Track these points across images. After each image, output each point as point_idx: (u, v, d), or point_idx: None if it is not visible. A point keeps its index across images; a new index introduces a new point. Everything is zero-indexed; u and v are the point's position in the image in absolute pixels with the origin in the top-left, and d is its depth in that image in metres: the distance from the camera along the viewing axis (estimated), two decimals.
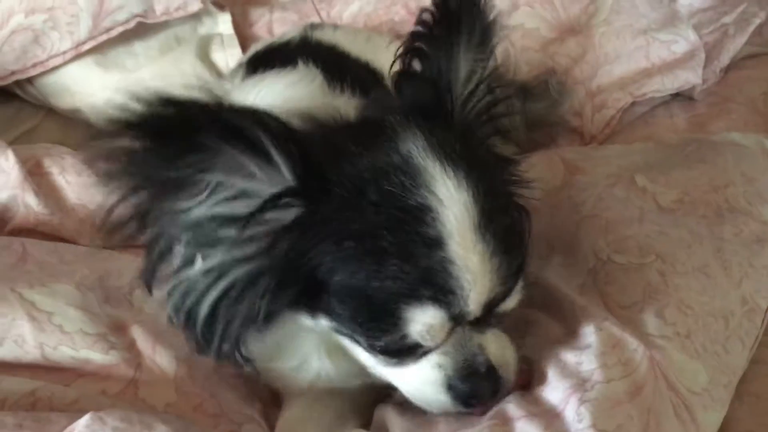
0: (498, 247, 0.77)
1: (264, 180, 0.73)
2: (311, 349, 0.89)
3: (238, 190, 0.73)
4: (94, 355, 0.90)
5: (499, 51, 1.49)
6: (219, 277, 0.76)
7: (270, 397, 0.98)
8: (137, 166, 0.70)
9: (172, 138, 0.69)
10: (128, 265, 1.02)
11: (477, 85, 0.88)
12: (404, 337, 0.78)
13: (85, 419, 0.78)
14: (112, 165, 0.69)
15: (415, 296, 0.75)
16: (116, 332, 0.93)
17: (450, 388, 0.82)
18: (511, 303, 0.83)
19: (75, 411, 0.82)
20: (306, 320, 0.82)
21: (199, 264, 0.76)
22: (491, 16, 0.88)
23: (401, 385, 0.85)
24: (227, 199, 0.73)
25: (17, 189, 1.21)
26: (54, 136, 1.54)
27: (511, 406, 0.82)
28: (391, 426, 0.87)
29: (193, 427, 0.85)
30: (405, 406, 0.88)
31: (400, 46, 0.91)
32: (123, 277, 1.02)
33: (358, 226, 0.75)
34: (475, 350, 0.82)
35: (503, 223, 0.80)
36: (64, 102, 1.58)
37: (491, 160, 0.90)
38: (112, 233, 0.75)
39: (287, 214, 0.75)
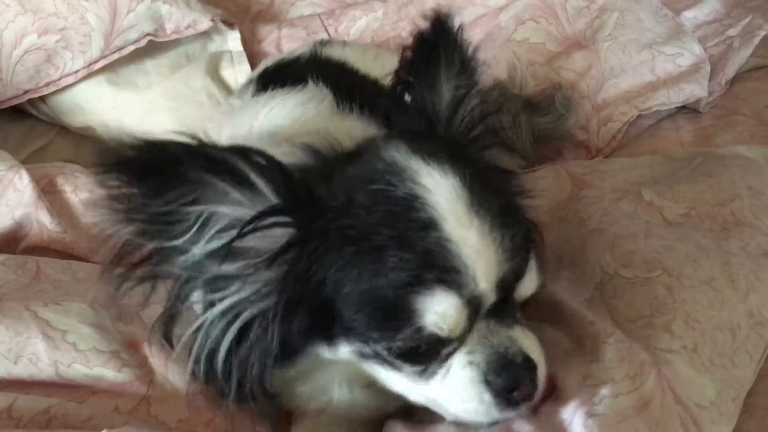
0: (496, 221, 0.77)
1: (250, 206, 0.76)
2: (330, 380, 0.89)
3: (228, 220, 0.76)
4: (108, 372, 0.91)
5: (504, 68, 1.52)
6: (234, 318, 0.78)
7: (281, 414, 0.98)
8: (128, 205, 0.73)
9: (155, 175, 0.73)
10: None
11: (462, 108, 0.91)
12: (420, 330, 0.75)
13: None
14: (107, 208, 0.74)
15: (420, 282, 0.75)
16: (129, 349, 0.94)
17: (487, 384, 0.78)
18: (528, 286, 0.81)
19: (89, 428, 0.83)
20: (326, 353, 0.82)
21: (215, 308, 0.79)
22: (469, 51, 0.92)
23: (440, 401, 0.82)
24: (220, 231, 0.76)
25: (31, 207, 1.23)
26: (66, 154, 1.57)
27: (518, 420, 0.83)
28: None
29: None
30: (414, 421, 0.89)
31: (390, 83, 0.95)
32: (135, 295, 1.03)
33: (353, 231, 0.77)
34: (506, 342, 0.79)
35: (497, 200, 0.80)
36: (77, 120, 1.60)
37: (480, 163, 0.92)
38: (122, 281, 0.79)
39: (281, 235, 0.77)
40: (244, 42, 1.67)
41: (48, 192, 1.27)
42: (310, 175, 0.81)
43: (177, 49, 1.64)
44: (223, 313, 0.79)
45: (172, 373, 0.93)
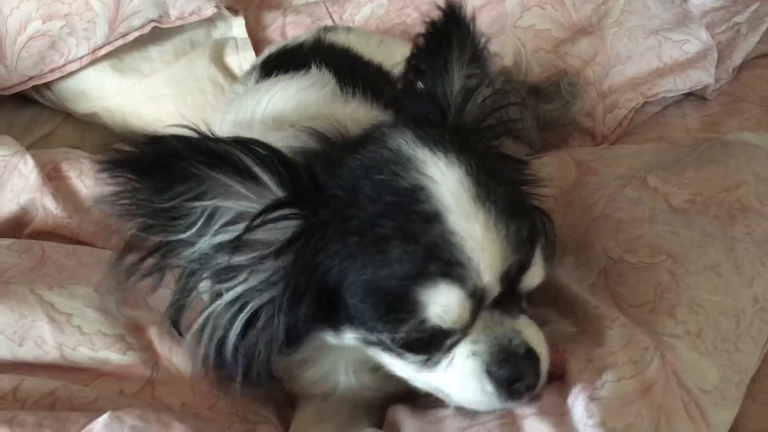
0: (502, 214, 0.77)
1: (255, 200, 0.76)
2: (335, 366, 0.90)
3: (234, 213, 0.76)
4: (113, 355, 0.92)
5: (510, 54, 1.52)
6: (242, 307, 0.79)
7: (284, 398, 0.99)
8: (132, 202, 0.74)
9: (158, 171, 0.73)
10: None
11: (474, 98, 0.91)
12: (423, 322, 0.76)
13: (104, 418, 0.80)
14: (112, 205, 0.74)
15: (424, 275, 0.75)
16: (134, 333, 0.94)
17: (489, 374, 0.79)
18: (534, 277, 0.81)
19: (94, 410, 0.83)
20: (331, 338, 0.83)
21: (223, 298, 0.79)
22: (480, 41, 0.92)
23: (443, 389, 0.83)
24: (226, 225, 0.76)
25: (36, 192, 1.23)
26: (71, 140, 1.58)
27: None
28: (403, 425, 0.88)
29: (208, 426, 0.86)
30: (416, 405, 0.89)
31: (403, 67, 0.95)
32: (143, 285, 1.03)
33: (357, 221, 0.77)
34: (509, 333, 0.79)
35: (504, 191, 0.79)
36: (81, 106, 1.61)
37: (488, 152, 0.91)
38: (129, 274, 0.80)
39: (288, 227, 0.77)
40: (249, 29, 1.66)
41: (53, 178, 1.27)
42: (316, 161, 0.81)
43: (181, 35, 1.64)
44: (231, 302, 0.79)
45: (176, 356, 0.93)
